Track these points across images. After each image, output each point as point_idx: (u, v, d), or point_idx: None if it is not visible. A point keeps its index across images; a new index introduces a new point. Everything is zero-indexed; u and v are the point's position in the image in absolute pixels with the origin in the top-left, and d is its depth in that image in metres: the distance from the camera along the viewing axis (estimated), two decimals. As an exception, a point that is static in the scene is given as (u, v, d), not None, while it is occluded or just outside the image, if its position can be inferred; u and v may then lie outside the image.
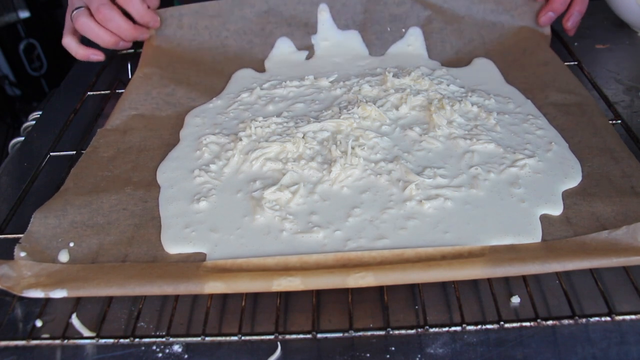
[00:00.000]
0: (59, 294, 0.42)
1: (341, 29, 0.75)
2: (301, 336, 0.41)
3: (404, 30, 0.75)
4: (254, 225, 0.49)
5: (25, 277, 0.44)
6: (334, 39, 0.75)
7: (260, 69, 0.73)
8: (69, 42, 0.70)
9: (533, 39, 0.71)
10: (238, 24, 0.75)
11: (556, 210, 0.48)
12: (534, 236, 0.46)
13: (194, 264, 0.45)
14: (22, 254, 0.45)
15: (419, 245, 0.45)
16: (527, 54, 0.70)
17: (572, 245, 0.44)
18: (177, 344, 0.41)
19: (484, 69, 0.70)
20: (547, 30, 0.72)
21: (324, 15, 0.74)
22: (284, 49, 0.75)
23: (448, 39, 0.74)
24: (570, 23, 0.71)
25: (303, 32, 0.75)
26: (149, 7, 0.70)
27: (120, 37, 0.69)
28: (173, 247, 0.47)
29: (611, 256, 0.42)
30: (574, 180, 0.51)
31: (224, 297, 0.44)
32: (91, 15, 0.68)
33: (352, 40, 0.75)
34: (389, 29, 0.75)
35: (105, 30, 0.68)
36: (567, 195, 0.50)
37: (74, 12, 0.69)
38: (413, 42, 0.74)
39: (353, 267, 0.42)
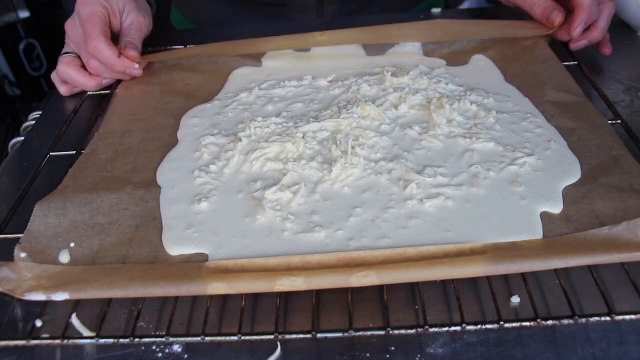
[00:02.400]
0: (60, 296, 0.42)
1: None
2: (301, 336, 0.41)
3: None
4: (256, 225, 0.49)
5: (26, 280, 0.44)
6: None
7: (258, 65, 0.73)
8: (54, 78, 0.72)
9: (531, 36, 0.71)
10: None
11: (556, 208, 0.48)
12: (535, 234, 0.46)
13: (196, 264, 0.45)
14: (23, 255, 0.45)
15: (421, 245, 0.45)
16: (526, 52, 0.70)
17: (573, 242, 0.44)
18: (177, 344, 0.41)
19: (483, 68, 0.70)
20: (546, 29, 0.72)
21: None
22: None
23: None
24: (575, 46, 0.71)
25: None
26: (126, 47, 0.68)
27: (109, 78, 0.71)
28: (175, 248, 0.47)
29: (612, 252, 0.42)
30: (573, 178, 0.51)
31: (224, 297, 0.44)
32: (71, 63, 0.69)
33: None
34: None
35: (88, 78, 0.69)
36: (566, 193, 0.50)
37: (61, 56, 0.70)
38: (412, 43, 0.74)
39: (356, 267, 0.42)
